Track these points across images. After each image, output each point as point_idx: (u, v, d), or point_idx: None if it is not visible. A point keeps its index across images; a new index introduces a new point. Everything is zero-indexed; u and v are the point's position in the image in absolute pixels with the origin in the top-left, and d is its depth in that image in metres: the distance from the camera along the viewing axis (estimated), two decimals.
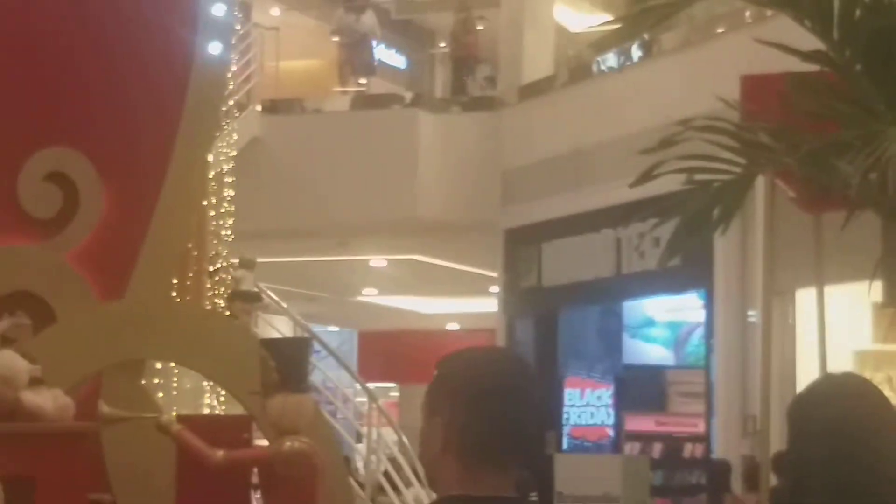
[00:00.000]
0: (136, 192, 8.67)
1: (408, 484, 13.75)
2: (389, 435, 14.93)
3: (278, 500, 7.56)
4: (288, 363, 7.47)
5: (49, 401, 7.12)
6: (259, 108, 18.89)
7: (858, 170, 6.36)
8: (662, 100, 14.52)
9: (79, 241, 8.44)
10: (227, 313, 11.69)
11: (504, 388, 2.81)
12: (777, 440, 12.44)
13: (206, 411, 10.52)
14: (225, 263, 11.78)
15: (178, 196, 8.80)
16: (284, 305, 15.65)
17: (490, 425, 2.79)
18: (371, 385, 18.99)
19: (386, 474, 13.76)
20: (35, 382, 7.15)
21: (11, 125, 8.31)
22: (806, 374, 12.93)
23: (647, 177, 6.92)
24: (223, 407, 10.87)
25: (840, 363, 12.71)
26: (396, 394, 30.81)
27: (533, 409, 2.84)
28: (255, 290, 14.18)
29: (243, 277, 13.90)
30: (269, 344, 7.75)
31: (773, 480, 11.14)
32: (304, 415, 7.49)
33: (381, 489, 13.65)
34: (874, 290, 10.59)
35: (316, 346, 20.24)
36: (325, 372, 17.91)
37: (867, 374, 13.20)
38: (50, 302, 8.22)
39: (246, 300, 13.72)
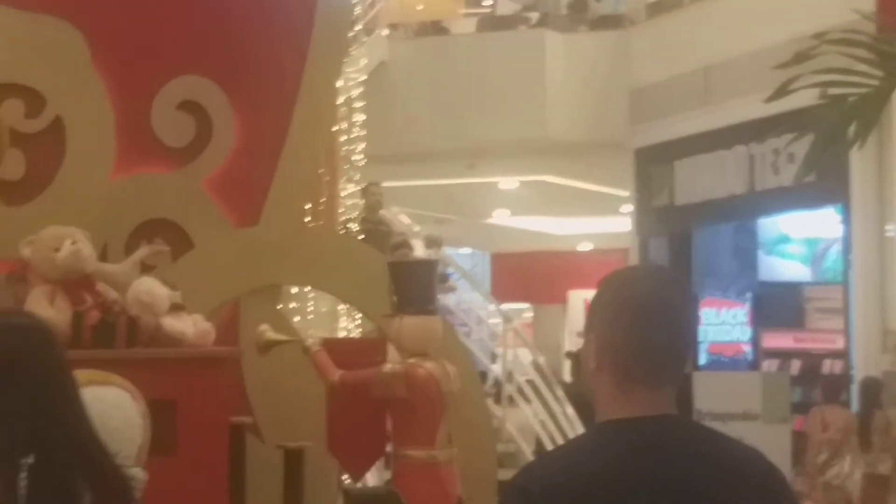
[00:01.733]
0: (268, 120, 8.74)
1: (543, 402, 13.77)
2: (525, 355, 14.97)
3: (393, 420, 7.65)
4: (408, 285, 7.51)
5: (189, 326, 7.24)
6: (386, 31, 18.90)
7: None
8: (794, 13, 14.27)
9: (212, 168, 8.55)
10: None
11: (650, 304, 2.79)
12: None
13: (342, 334, 10.61)
14: (357, 187, 11.83)
15: (308, 122, 8.85)
16: (417, 229, 15.70)
17: (637, 341, 2.77)
18: (505, 306, 19.04)
19: (520, 391, 13.80)
20: (175, 308, 7.27)
21: (144, 54, 8.42)
22: None
23: (782, 92, 6.80)
24: (359, 330, 10.98)
25: None
26: (531, 314, 30.89)
27: (681, 328, 2.82)
28: (443, 272, 13.79)
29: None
30: (391, 266, 7.77)
31: None
32: (427, 337, 7.51)
33: (511, 402, 13.68)
34: None
35: (450, 268, 20.38)
36: (458, 294, 18.01)
37: None
38: (186, 229, 8.35)
39: None
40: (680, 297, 2.84)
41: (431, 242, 13.63)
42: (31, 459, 3.02)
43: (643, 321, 2.77)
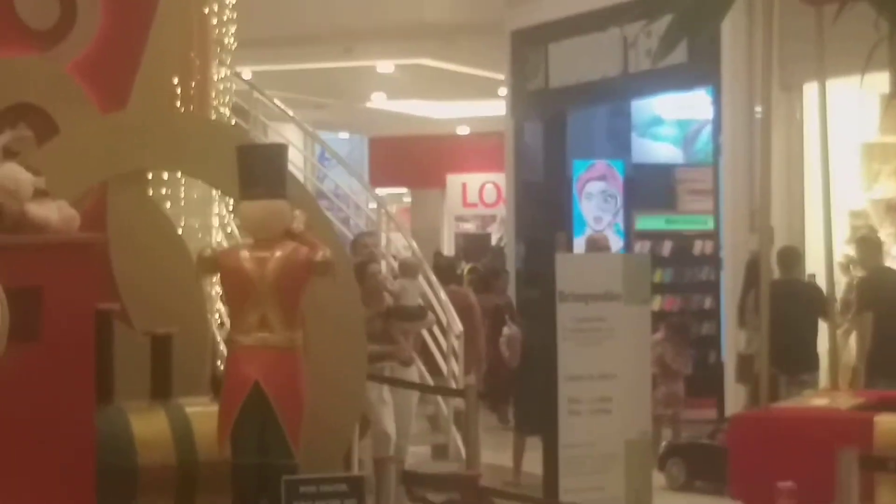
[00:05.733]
0: (134, 0, 8.62)
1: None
2: (400, 240, 15.00)
3: None
4: (250, 170, 7.47)
5: (54, 212, 7.16)
6: None
7: None
8: None
9: (78, 51, 8.43)
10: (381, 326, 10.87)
11: None
12: (782, 233, 12.57)
13: (215, 219, 10.57)
14: (229, 73, 11.70)
15: (176, 3, 8.76)
16: (291, 114, 15.60)
17: None
18: (383, 191, 19.07)
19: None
20: (39, 194, 7.19)
21: None
22: (812, 168, 12.97)
23: None
24: (233, 216, 10.93)
25: (847, 156, 12.78)
26: (409, 199, 30.94)
27: None
28: (418, 304, 12.25)
29: (404, 289, 12.17)
30: (237, 151, 7.64)
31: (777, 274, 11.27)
32: (267, 222, 7.43)
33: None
34: (881, 82, 10.57)
35: (326, 154, 20.29)
36: (335, 179, 17.98)
37: (874, 167, 13.27)
38: (51, 113, 8.24)
39: (405, 318, 11.49)
40: None
41: (406, 269, 12.87)
42: None
43: None
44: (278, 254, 7.40)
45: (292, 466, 7.29)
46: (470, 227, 29.77)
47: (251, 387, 7.29)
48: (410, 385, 11.12)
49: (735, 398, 13.08)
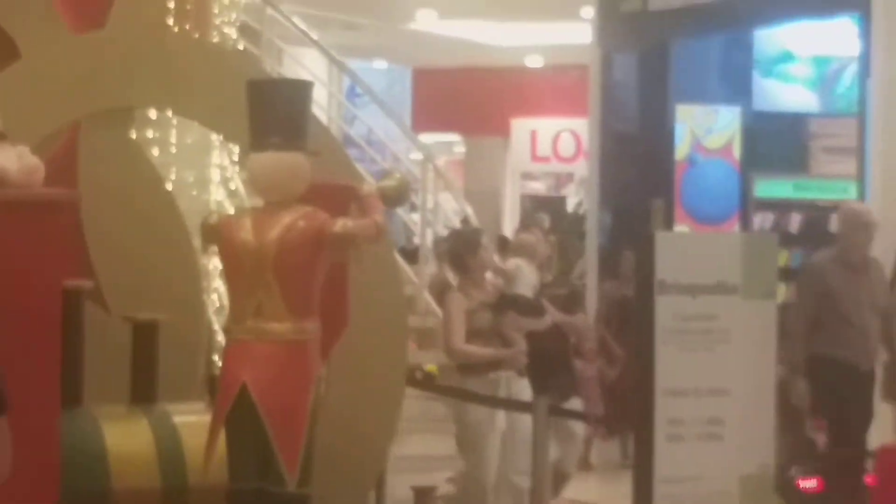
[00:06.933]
0: None
1: None
2: (449, 202, 15.01)
3: None
4: (263, 113, 7.43)
5: (12, 160, 7.17)
6: None
7: None
8: None
9: None
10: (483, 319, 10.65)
11: None
12: None
13: (215, 171, 10.60)
14: None
15: None
16: (315, 37, 15.62)
17: None
18: (429, 138, 18.98)
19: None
20: None
21: None
22: None
23: None
24: (236, 167, 10.96)
25: None
26: (462, 149, 30.93)
27: None
28: (532, 298, 11.76)
29: (518, 271, 11.96)
30: (247, 87, 7.62)
31: None
32: (277, 179, 7.40)
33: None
34: None
35: (357, 89, 20.29)
36: (367, 122, 17.93)
37: None
38: (10, 32, 8.25)
39: (525, 311, 11.16)
40: None
41: (519, 247, 12.33)
42: None
43: None
44: (285, 220, 7.37)
45: (297, 497, 7.26)
46: (539, 187, 29.75)
47: (238, 390, 7.27)
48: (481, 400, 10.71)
49: (883, 420, 13.02)
